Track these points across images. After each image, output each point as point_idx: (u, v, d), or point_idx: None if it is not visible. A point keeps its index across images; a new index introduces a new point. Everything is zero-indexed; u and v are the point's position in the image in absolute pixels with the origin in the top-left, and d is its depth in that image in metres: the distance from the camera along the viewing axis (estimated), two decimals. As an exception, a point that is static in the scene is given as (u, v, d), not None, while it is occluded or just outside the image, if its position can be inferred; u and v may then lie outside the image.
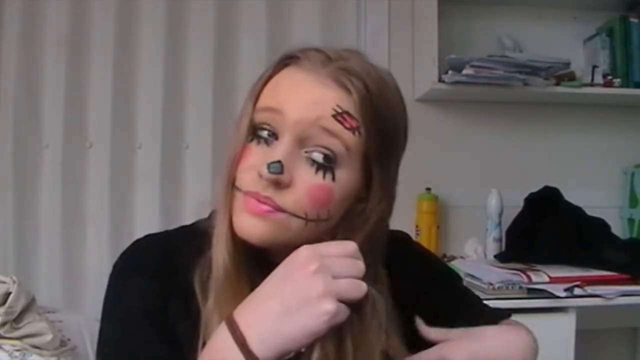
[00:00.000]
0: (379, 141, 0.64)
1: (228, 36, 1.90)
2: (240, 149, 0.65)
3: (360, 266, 0.58)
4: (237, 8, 1.92)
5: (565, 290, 1.49)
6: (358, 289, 0.57)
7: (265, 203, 0.62)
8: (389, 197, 0.69)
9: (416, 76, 1.95)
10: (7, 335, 1.19)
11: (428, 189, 1.91)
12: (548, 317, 1.49)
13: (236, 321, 0.56)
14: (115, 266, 0.71)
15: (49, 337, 1.21)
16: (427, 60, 1.83)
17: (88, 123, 1.86)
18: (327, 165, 0.62)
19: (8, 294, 1.19)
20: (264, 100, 0.65)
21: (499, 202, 1.88)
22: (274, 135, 0.64)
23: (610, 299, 1.50)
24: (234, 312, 0.57)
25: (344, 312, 0.56)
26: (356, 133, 0.63)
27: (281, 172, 0.60)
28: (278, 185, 0.61)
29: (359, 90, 0.62)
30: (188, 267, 0.67)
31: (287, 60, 0.67)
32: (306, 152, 0.62)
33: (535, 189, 1.86)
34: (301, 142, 0.62)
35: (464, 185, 1.99)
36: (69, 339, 1.33)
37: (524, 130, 2.05)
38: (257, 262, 0.67)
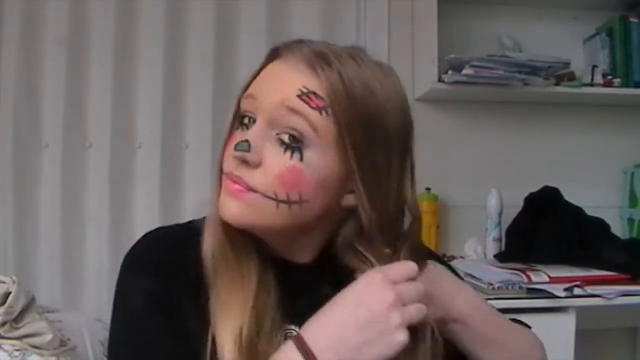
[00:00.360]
0: (355, 129, 0.63)
1: (228, 36, 1.90)
2: (227, 137, 0.69)
3: (421, 289, 0.62)
4: (237, 8, 1.92)
5: (565, 290, 1.48)
6: (422, 313, 0.61)
7: (237, 183, 0.64)
8: (384, 201, 0.66)
9: (416, 76, 1.94)
10: (7, 335, 1.19)
11: (428, 189, 1.91)
12: (548, 317, 1.49)
13: (308, 344, 0.57)
14: (122, 263, 0.72)
15: (49, 337, 1.21)
16: (427, 60, 1.83)
17: (88, 123, 1.86)
18: (295, 145, 0.63)
19: (8, 294, 1.19)
20: (249, 90, 0.68)
21: (499, 202, 1.88)
22: (253, 121, 0.66)
23: (610, 299, 1.49)
24: (303, 333, 0.59)
25: (408, 337, 0.59)
26: (323, 113, 0.63)
27: (247, 150, 0.63)
28: (247, 164, 0.63)
29: (328, 75, 0.63)
30: (197, 261, 0.67)
31: (273, 54, 0.69)
32: (277, 134, 0.64)
33: (535, 189, 1.86)
34: (271, 124, 0.64)
35: (464, 185, 1.99)
36: (69, 339, 1.33)
37: (524, 130, 2.05)
38: (257, 255, 0.68)
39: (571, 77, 1.90)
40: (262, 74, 0.69)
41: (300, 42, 0.69)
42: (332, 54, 0.65)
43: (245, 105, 0.67)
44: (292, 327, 0.68)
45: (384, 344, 0.58)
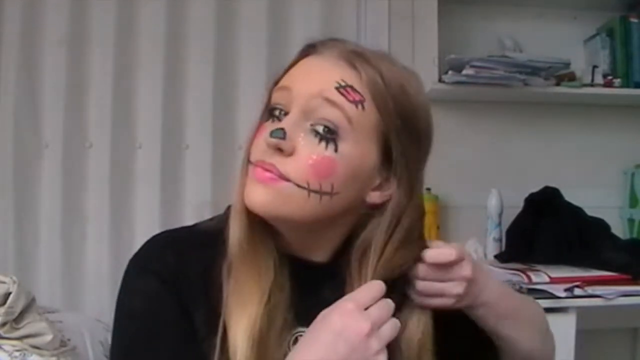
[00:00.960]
0: (397, 123, 0.66)
1: (228, 36, 1.90)
2: (256, 128, 0.69)
3: (390, 305, 0.63)
4: (237, 8, 1.92)
5: (566, 290, 1.49)
6: (396, 328, 0.63)
7: (269, 170, 0.64)
8: (413, 197, 0.70)
9: (416, 76, 1.94)
10: (7, 335, 1.19)
11: (428, 189, 1.91)
12: (548, 317, 1.47)
13: None
14: (128, 265, 0.72)
15: (49, 337, 1.20)
16: (427, 60, 1.83)
17: (88, 123, 1.86)
18: (329, 136, 0.64)
19: (8, 294, 1.19)
20: (281, 82, 0.69)
21: (499, 202, 1.88)
22: (285, 113, 0.66)
23: (610, 299, 1.50)
24: None
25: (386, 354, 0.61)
26: (359, 107, 0.64)
27: (283, 137, 0.63)
28: (281, 152, 0.64)
29: (367, 71, 0.65)
30: (203, 264, 0.68)
31: (308, 50, 0.70)
32: (311, 124, 0.64)
33: (535, 189, 1.86)
34: (306, 114, 0.65)
35: (464, 185, 1.99)
36: (69, 339, 1.32)
37: (524, 130, 2.05)
38: (272, 249, 0.69)
39: (571, 77, 1.90)
40: (296, 67, 0.69)
41: (335, 39, 0.70)
42: (368, 52, 0.67)
43: (277, 98, 0.68)
44: (302, 329, 0.68)
45: None
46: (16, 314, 1.19)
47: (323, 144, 0.64)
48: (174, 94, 1.88)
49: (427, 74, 1.83)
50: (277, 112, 0.67)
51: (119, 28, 1.85)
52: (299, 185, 0.63)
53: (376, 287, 0.64)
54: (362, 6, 1.98)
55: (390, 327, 0.62)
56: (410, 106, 0.68)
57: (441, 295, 0.70)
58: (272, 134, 0.63)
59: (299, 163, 0.63)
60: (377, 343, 0.60)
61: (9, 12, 1.81)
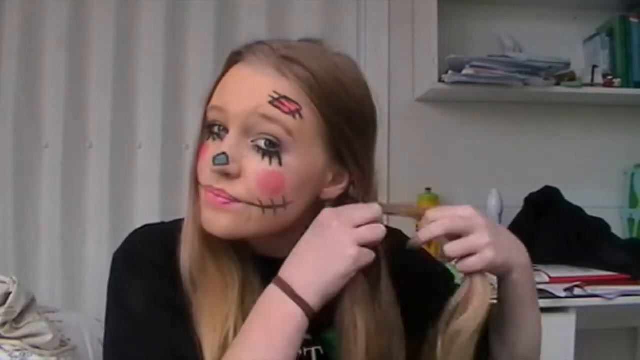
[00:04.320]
0: (339, 120, 0.66)
1: (228, 36, 1.90)
2: (198, 147, 0.69)
3: (376, 209, 0.65)
4: (237, 8, 1.92)
5: (565, 290, 1.49)
6: (377, 231, 0.65)
7: (219, 195, 0.65)
8: (366, 180, 0.70)
9: (416, 76, 1.95)
10: (7, 335, 1.19)
11: (428, 189, 1.91)
12: (548, 317, 1.46)
13: (281, 277, 0.63)
14: (114, 261, 0.73)
15: (49, 337, 1.20)
16: (427, 60, 1.83)
17: (88, 123, 1.86)
18: (272, 150, 0.64)
19: (8, 294, 1.19)
20: (213, 100, 0.68)
21: (499, 202, 1.88)
22: (225, 130, 0.66)
23: (610, 299, 1.50)
24: (280, 273, 0.64)
25: (367, 254, 0.64)
26: (297, 116, 0.64)
27: (226, 162, 0.63)
28: (228, 176, 0.64)
29: (299, 76, 0.64)
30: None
31: (235, 58, 0.69)
32: (252, 141, 0.64)
33: (535, 189, 1.86)
34: (246, 132, 0.64)
35: (464, 185, 1.99)
36: (69, 339, 1.32)
37: (524, 131, 2.05)
38: (239, 257, 0.70)
39: (571, 77, 1.90)
40: (226, 80, 0.68)
41: (260, 42, 0.68)
42: (295, 52, 0.65)
43: (213, 115, 0.67)
44: None
45: (337, 259, 0.62)
46: (16, 314, 1.20)
47: (267, 159, 0.64)
48: (174, 94, 1.88)
49: (427, 74, 1.84)
50: (216, 129, 0.67)
51: (119, 28, 1.85)
52: (252, 204, 0.64)
53: (373, 209, 0.66)
54: (362, 6, 1.98)
55: (368, 228, 0.64)
56: (350, 99, 0.67)
57: (474, 252, 0.67)
58: (215, 161, 0.63)
59: (247, 184, 0.64)
60: (343, 234, 0.63)
61: (9, 12, 1.82)
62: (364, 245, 0.63)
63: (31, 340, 1.20)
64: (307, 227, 0.68)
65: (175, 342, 0.65)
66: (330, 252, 0.63)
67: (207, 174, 0.66)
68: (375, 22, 1.98)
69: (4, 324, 1.18)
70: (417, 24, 1.98)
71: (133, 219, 1.87)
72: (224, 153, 0.63)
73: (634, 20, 1.94)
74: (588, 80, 1.92)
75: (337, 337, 0.67)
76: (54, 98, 1.83)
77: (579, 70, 1.95)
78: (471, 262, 0.67)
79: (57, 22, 1.83)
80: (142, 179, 1.87)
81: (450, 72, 1.77)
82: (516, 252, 0.72)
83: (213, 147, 0.66)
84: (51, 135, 1.84)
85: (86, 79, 1.85)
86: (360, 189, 0.69)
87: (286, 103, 0.63)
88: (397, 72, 1.95)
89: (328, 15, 1.96)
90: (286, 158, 0.64)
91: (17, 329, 1.20)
